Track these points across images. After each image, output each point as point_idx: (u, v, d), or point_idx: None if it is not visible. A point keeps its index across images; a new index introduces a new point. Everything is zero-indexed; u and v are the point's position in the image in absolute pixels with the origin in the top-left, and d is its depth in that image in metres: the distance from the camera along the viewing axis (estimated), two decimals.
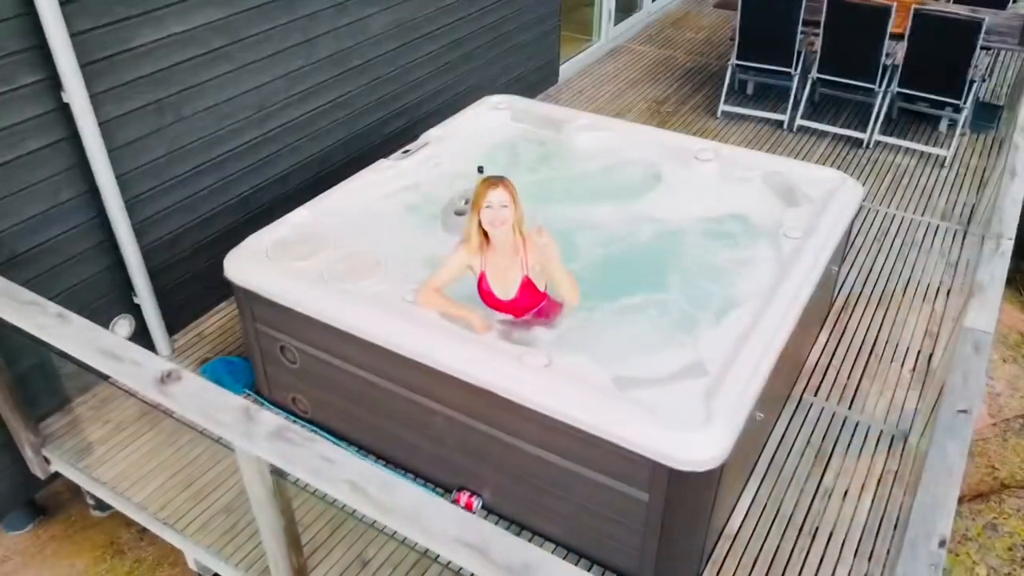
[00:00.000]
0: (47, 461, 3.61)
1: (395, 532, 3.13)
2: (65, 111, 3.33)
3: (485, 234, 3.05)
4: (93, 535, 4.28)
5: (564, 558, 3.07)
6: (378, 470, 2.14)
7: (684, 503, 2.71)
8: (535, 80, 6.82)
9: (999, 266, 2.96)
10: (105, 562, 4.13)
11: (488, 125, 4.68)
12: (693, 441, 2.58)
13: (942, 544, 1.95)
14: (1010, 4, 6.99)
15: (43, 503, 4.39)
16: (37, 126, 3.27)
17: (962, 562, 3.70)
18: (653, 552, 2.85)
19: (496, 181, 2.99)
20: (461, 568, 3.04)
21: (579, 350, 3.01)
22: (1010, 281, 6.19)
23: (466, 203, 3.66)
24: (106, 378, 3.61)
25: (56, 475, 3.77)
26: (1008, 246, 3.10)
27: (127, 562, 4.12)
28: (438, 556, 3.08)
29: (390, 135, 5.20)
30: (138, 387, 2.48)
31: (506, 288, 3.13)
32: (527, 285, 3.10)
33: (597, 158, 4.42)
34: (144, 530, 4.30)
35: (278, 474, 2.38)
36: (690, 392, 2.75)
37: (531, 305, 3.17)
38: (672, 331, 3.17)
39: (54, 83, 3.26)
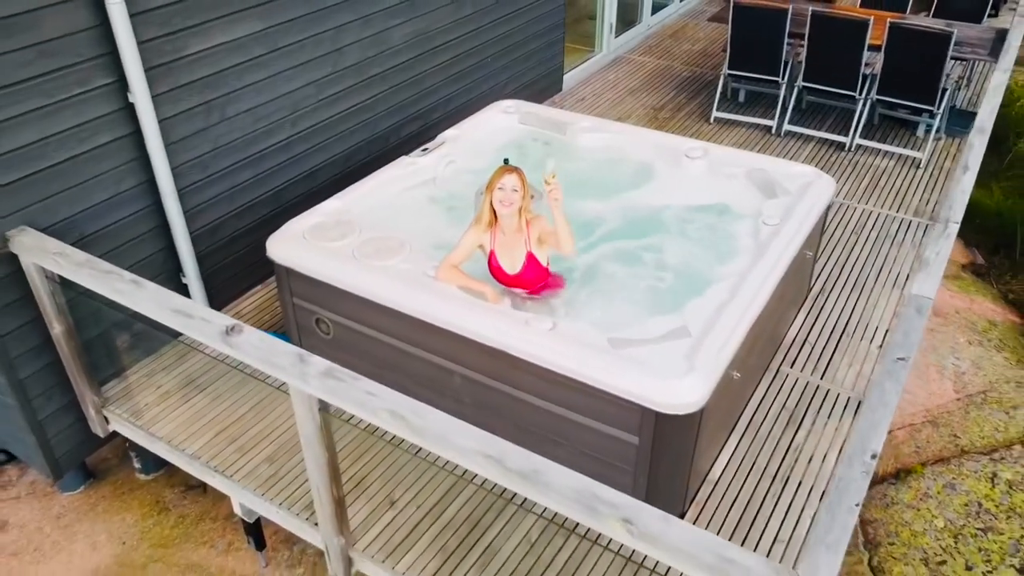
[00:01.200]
0: (107, 421, 4.06)
1: (421, 475, 3.59)
2: (130, 110, 3.80)
3: (494, 214, 3.51)
4: (140, 495, 4.73)
5: None
6: (411, 400, 2.59)
7: (669, 445, 3.15)
8: (540, 88, 7.29)
9: (944, 246, 3.41)
10: (152, 517, 4.57)
11: (498, 127, 5.15)
12: (676, 389, 3.02)
13: (873, 457, 2.39)
14: (985, 18, 7.45)
15: (93, 468, 4.85)
16: (107, 123, 3.74)
17: (923, 515, 4.12)
18: (643, 491, 3.29)
19: (511, 168, 3.45)
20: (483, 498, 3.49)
21: (579, 317, 3.47)
22: (984, 275, 6.64)
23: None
24: (177, 336, 4.08)
25: (113, 435, 4.22)
26: (954, 229, 3.55)
27: (172, 517, 4.57)
28: (462, 489, 3.53)
29: (407, 137, 5.67)
30: (206, 340, 2.94)
31: (513, 263, 3.58)
32: (531, 260, 3.55)
33: (597, 156, 4.88)
34: (187, 490, 4.76)
35: (325, 410, 2.83)
36: (675, 350, 3.20)
37: (536, 279, 3.62)
38: (661, 301, 3.62)
39: (122, 85, 3.73)
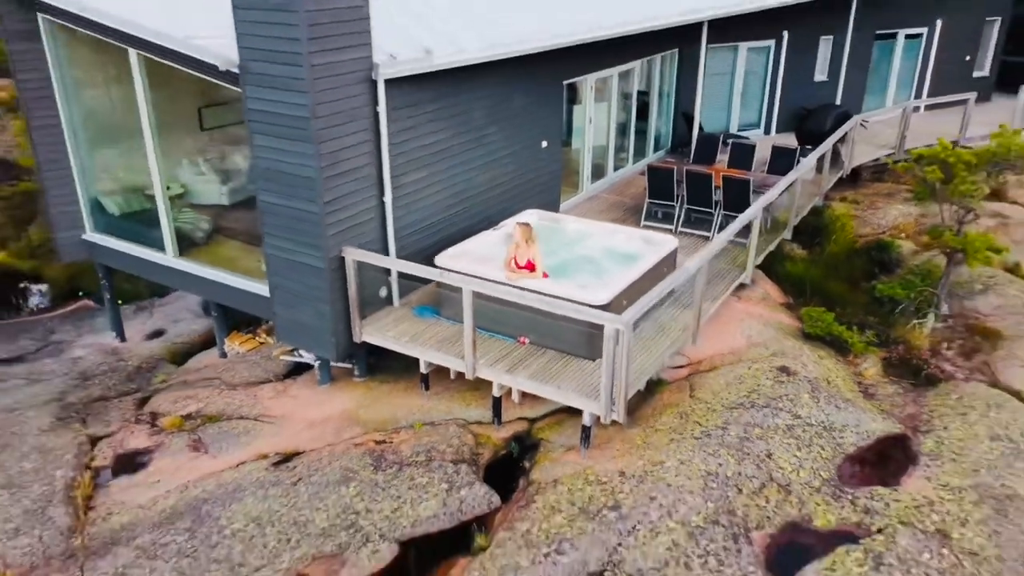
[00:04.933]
0: (362, 334, 9.43)
1: (499, 348, 8.97)
2: (382, 205, 9.46)
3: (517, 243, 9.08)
4: (357, 385, 9.98)
5: (563, 358, 8.80)
6: (501, 287, 8.04)
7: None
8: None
9: (704, 255, 8.91)
10: (366, 394, 9.81)
11: (527, 220, 10.82)
12: (598, 296, 8.47)
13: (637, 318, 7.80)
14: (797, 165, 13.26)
15: (334, 375, 10.13)
16: (374, 208, 9.38)
17: (716, 378, 9.34)
18: (590, 342, 8.63)
19: (525, 224, 9.07)
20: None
21: (564, 280, 8.98)
22: (791, 308, 12.05)
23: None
24: (426, 282, 9.56)
25: (363, 343, 9.55)
26: (712, 251, 9.06)
27: (376, 392, 9.81)
28: (517, 351, 8.85)
29: (483, 223, 11.29)
30: (431, 276, 8.44)
31: (521, 260, 9.10)
32: (529, 262, 9.07)
33: (574, 232, 10.53)
34: (381, 383, 10.01)
35: (476, 295, 8.26)
36: (599, 288, 8.67)
37: (531, 269, 9.11)
38: (597, 277, 9.13)
39: (381, 192, 9.40)
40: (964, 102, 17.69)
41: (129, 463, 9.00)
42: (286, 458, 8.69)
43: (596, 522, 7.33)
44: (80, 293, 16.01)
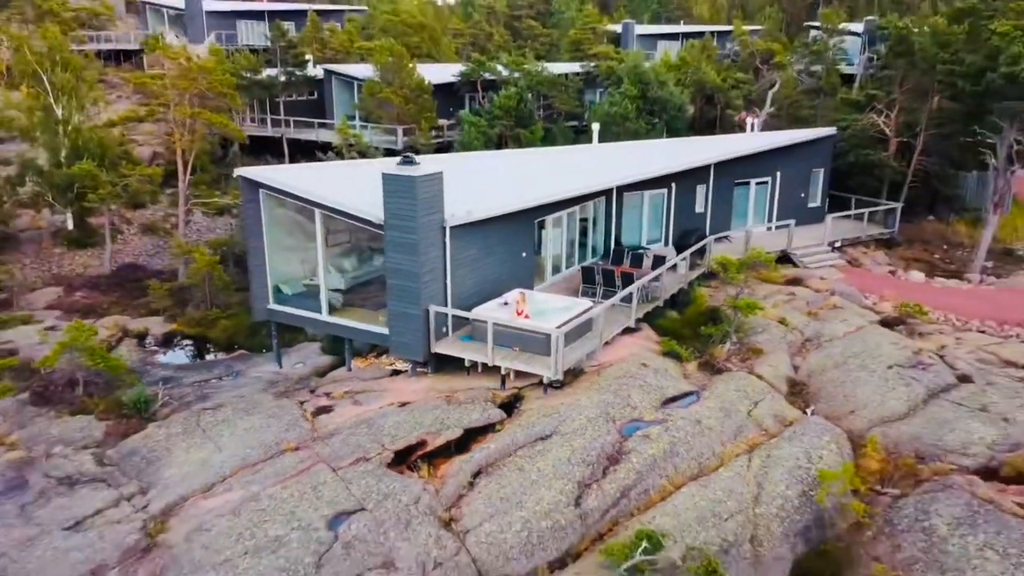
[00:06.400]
0: (435, 346, 19.09)
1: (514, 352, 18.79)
2: (446, 285, 19.31)
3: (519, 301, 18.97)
4: (430, 376, 19.61)
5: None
6: (514, 316, 17.88)
7: (550, 339, 18.32)
8: None
9: (601, 307, 18.81)
10: (435, 379, 19.36)
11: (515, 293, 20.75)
12: (550, 325, 18.30)
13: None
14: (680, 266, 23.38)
15: (420, 373, 19.71)
16: (442, 286, 19.24)
17: (615, 366, 18.98)
18: (547, 347, 18.36)
19: (522, 294, 18.99)
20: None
21: (535, 320, 18.85)
22: (660, 342, 22.04)
23: (505, 303, 19.69)
24: (465, 323, 19.34)
25: (435, 354, 19.19)
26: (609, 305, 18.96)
27: (441, 379, 19.38)
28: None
29: (489, 297, 21.12)
30: (492, 311, 18.25)
31: (519, 309, 18.93)
32: (523, 312, 18.89)
33: (543, 299, 20.46)
34: (444, 375, 19.59)
35: (495, 325, 18.06)
36: (550, 321, 18.51)
37: (523, 315, 18.94)
38: (552, 317, 18.98)
39: (445, 279, 19.27)
40: (787, 225, 28.27)
41: (323, 410, 18.45)
42: (403, 404, 18.20)
43: (549, 418, 16.89)
44: (235, 346, 25.58)
